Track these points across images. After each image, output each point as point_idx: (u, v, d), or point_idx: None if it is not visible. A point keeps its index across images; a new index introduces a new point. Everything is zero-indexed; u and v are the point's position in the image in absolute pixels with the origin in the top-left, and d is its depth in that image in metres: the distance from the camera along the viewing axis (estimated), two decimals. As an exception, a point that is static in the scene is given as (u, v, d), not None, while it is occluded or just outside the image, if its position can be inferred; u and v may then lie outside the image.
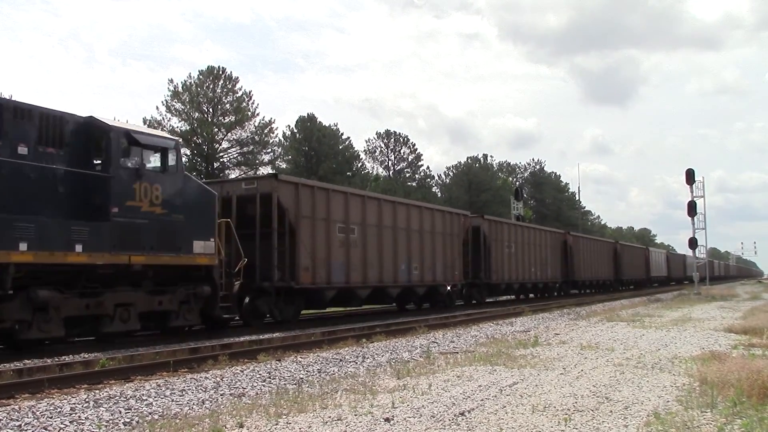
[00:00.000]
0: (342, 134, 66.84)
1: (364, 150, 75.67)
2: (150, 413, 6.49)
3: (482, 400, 6.53)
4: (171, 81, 55.20)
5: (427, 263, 22.57)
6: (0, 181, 10.47)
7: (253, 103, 56.25)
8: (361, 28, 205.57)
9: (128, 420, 6.22)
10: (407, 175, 77.24)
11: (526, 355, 10.01)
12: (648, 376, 7.96)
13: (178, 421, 5.92)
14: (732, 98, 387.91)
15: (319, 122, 65.22)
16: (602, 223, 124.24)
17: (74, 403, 6.84)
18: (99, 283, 12.04)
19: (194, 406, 6.87)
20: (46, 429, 5.83)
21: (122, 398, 7.19)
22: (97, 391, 7.76)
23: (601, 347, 11.04)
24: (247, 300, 16.01)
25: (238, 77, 56.15)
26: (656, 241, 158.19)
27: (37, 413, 6.37)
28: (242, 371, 9.19)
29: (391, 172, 76.29)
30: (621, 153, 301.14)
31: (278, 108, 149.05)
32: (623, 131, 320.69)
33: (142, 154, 12.66)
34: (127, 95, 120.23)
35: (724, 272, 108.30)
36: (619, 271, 46.68)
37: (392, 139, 77.72)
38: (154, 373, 9.39)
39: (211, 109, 55.12)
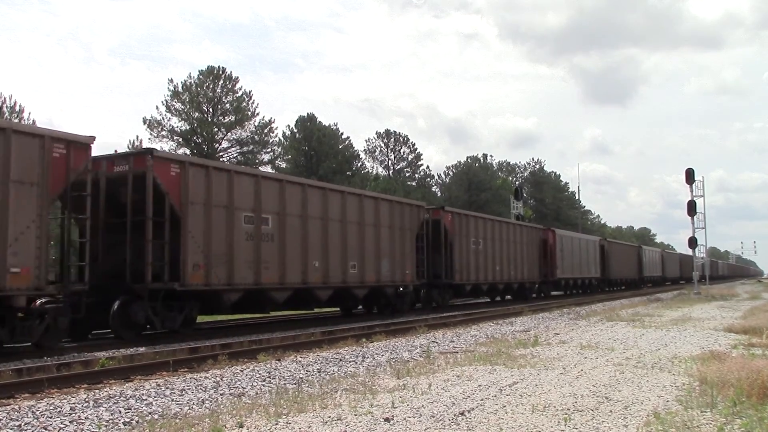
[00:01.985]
0: (342, 134, 66.88)
1: (364, 150, 75.65)
2: (150, 413, 6.49)
3: (482, 399, 6.53)
4: (171, 81, 55.18)
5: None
6: None
7: (252, 102, 56.30)
8: (360, 28, 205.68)
9: (128, 420, 6.22)
10: (407, 174, 77.15)
11: (526, 355, 10.00)
12: (648, 375, 7.96)
13: (178, 420, 5.92)
14: (732, 98, 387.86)
15: (319, 122, 65.16)
16: (602, 222, 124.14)
17: (74, 403, 6.84)
18: None
19: (194, 406, 6.87)
20: (45, 429, 5.83)
21: (122, 398, 7.19)
22: (96, 391, 7.77)
23: (600, 347, 11.04)
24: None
25: (237, 77, 56.20)
26: (656, 240, 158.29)
27: (37, 413, 6.37)
28: (242, 371, 9.19)
29: (390, 172, 76.21)
30: (621, 153, 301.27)
31: (277, 108, 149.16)
32: (623, 131, 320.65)
33: None
34: (126, 95, 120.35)
35: (711, 271, 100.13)
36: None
37: (392, 139, 77.67)
38: (153, 372, 9.39)
39: (211, 109, 55.09)
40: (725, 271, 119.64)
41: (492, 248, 28.24)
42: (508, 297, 31.89)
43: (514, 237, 30.74)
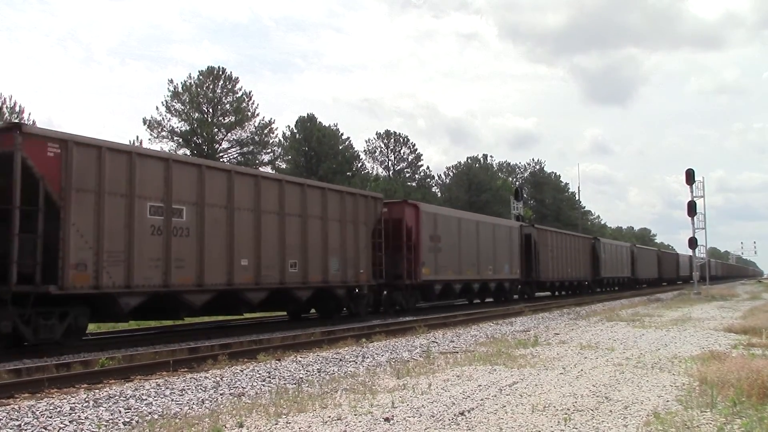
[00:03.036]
0: (342, 134, 66.85)
1: (364, 150, 75.60)
2: (150, 413, 6.49)
3: (482, 399, 6.53)
4: (171, 81, 55.15)
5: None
6: None
7: (252, 103, 56.32)
8: (360, 28, 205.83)
9: (128, 420, 6.22)
10: (407, 175, 77.14)
11: (526, 355, 10.00)
12: (648, 375, 7.96)
13: (177, 420, 5.92)
14: (732, 98, 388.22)
15: (319, 122, 65.08)
16: (602, 223, 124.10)
17: (74, 403, 6.84)
18: None
19: (194, 406, 6.87)
20: (45, 429, 5.83)
21: (122, 398, 7.19)
22: (96, 391, 7.76)
23: (600, 347, 11.04)
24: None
25: (237, 77, 56.20)
26: (656, 240, 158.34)
27: (37, 413, 6.37)
28: (242, 371, 9.19)
29: (390, 172, 76.21)
30: (621, 153, 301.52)
31: (277, 108, 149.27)
32: (623, 131, 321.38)
33: None
34: (125, 95, 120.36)
35: (700, 271, 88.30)
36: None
37: (392, 139, 77.63)
38: (153, 372, 9.40)
39: (211, 110, 55.08)
40: (719, 271, 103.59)
41: (241, 225, 14.88)
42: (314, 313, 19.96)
43: (312, 209, 17.28)
